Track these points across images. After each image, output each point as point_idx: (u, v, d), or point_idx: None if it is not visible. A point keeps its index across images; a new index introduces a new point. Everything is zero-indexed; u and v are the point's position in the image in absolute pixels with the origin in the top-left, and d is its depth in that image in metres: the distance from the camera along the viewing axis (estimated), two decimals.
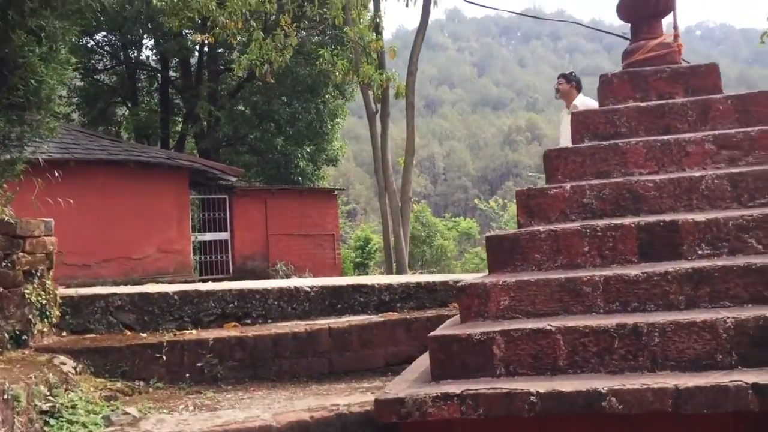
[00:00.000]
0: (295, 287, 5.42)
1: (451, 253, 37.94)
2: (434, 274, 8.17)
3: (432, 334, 3.51)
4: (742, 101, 3.95)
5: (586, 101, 7.38)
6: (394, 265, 15.96)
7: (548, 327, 3.35)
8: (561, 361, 3.30)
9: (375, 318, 5.05)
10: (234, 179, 17.82)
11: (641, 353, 3.22)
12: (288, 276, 17.93)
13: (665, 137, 3.90)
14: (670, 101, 4.07)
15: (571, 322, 3.36)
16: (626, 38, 4.59)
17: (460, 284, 3.65)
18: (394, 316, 5.09)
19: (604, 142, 3.99)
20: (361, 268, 32.22)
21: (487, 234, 3.81)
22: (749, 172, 3.67)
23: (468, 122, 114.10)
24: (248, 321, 5.24)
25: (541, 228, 3.70)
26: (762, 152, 3.80)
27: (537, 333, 3.35)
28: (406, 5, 17.47)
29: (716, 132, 3.86)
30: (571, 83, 7.65)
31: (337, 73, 16.44)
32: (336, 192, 20.69)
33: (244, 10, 14.35)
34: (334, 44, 18.87)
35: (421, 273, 23.16)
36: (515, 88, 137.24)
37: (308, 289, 5.43)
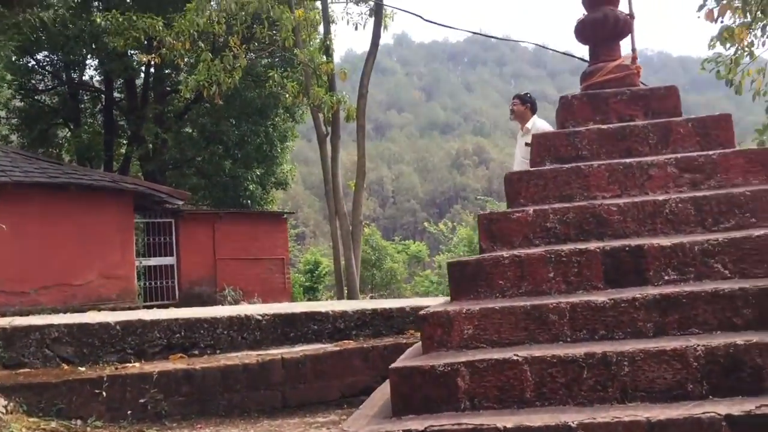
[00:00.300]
0: (246, 315, 5.19)
1: (401, 276, 37.83)
2: (390, 300, 8.01)
3: (393, 365, 3.33)
4: (702, 124, 3.91)
5: (539, 123, 7.35)
6: (345, 289, 15.74)
7: (514, 357, 3.20)
8: (528, 393, 3.15)
9: (330, 347, 4.84)
10: (180, 203, 17.39)
11: (611, 384, 3.10)
12: (236, 301, 17.51)
13: (627, 160, 3.83)
14: (632, 124, 4.00)
15: (538, 351, 3.22)
16: (584, 60, 4.53)
17: (421, 313, 3.48)
18: (350, 344, 4.89)
19: (566, 165, 3.90)
20: (310, 292, 31.82)
21: (449, 260, 3.67)
22: (712, 195, 3.61)
23: (416, 146, 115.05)
24: (196, 352, 4.97)
25: (505, 253, 3.56)
26: (724, 175, 3.76)
27: (503, 364, 3.20)
28: (356, 29, 17.52)
29: (678, 155, 3.80)
30: (525, 104, 7.60)
31: (287, 95, 16.26)
32: (285, 215, 20.38)
33: (191, 31, 14.10)
34: (284, 66, 18.72)
35: (372, 297, 22.94)
36: (462, 113, 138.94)
37: (260, 318, 5.19)
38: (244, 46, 15.13)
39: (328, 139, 16.38)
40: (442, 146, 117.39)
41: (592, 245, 3.51)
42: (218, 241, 18.32)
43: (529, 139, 7.50)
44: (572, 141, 4.01)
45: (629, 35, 4.40)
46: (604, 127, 4.02)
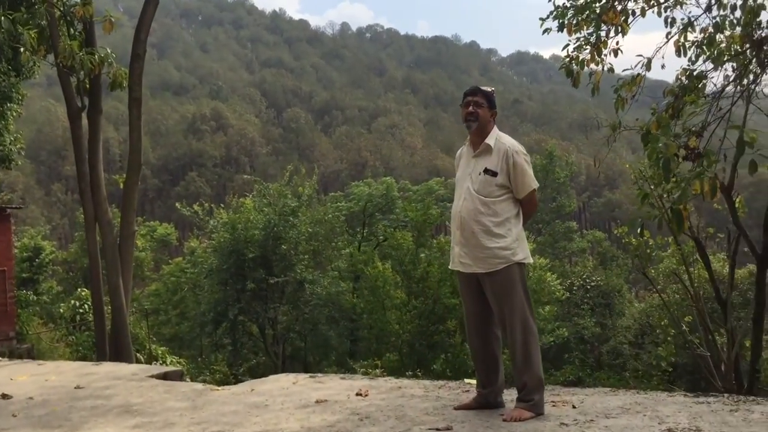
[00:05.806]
0: None
1: (147, 265, 32.35)
2: None
3: None
4: None
5: (505, 140, 4.14)
6: (107, 345, 11.02)
7: None
8: None
9: None
10: None
11: None
12: None
13: None
14: None
15: None
16: None
17: None
18: None
19: None
20: (29, 284, 25.72)
21: None
22: None
23: (147, 107, 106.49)
24: None
25: None
26: None
27: None
28: None
29: None
30: (493, 110, 4.29)
31: (21, 49, 11.08)
32: (9, 210, 14.80)
33: None
34: (14, 4, 13.12)
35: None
36: (198, 75, 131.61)
37: None
38: None
39: (84, 113, 11.56)
40: (176, 109, 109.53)
41: None
42: None
43: (490, 164, 4.20)
44: None
45: None
46: None
